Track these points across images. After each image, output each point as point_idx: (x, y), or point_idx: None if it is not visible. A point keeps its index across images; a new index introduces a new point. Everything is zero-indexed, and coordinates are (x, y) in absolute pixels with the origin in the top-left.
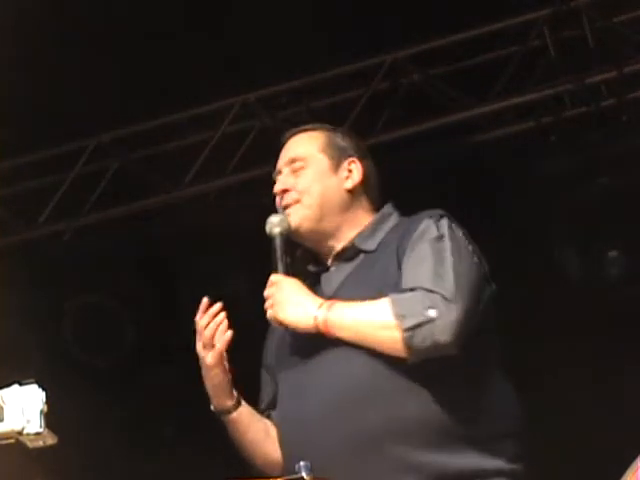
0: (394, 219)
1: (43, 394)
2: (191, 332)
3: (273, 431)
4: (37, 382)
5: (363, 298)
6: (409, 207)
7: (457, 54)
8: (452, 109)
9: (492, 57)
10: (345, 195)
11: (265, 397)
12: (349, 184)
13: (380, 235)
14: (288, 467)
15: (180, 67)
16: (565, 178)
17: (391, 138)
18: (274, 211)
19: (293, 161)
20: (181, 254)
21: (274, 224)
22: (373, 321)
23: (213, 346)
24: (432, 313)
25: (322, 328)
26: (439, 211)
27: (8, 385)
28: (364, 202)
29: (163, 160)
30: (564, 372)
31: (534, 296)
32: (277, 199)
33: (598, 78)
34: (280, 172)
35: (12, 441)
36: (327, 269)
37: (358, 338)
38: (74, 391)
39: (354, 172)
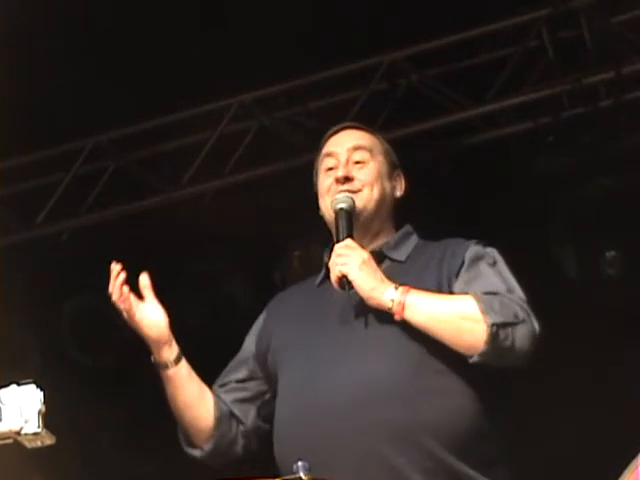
0: (415, 239)
1: (41, 394)
2: (190, 332)
3: (210, 400)
4: (35, 382)
5: None
6: (408, 207)
7: (455, 55)
8: (450, 110)
9: (490, 58)
10: (391, 203)
11: (231, 377)
12: (398, 194)
13: (406, 249)
14: (286, 454)
15: (177, 68)
16: (563, 179)
17: (389, 139)
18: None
19: (357, 148)
20: (178, 255)
21: (340, 200)
22: (455, 310)
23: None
24: (519, 317)
25: (396, 307)
26: (475, 240)
27: (6, 385)
28: (394, 214)
29: (161, 161)
30: (563, 372)
31: (532, 296)
32: (333, 184)
33: (596, 79)
34: (337, 155)
35: (10, 441)
36: None
37: (432, 324)
38: (72, 391)
39: (400, 185)
